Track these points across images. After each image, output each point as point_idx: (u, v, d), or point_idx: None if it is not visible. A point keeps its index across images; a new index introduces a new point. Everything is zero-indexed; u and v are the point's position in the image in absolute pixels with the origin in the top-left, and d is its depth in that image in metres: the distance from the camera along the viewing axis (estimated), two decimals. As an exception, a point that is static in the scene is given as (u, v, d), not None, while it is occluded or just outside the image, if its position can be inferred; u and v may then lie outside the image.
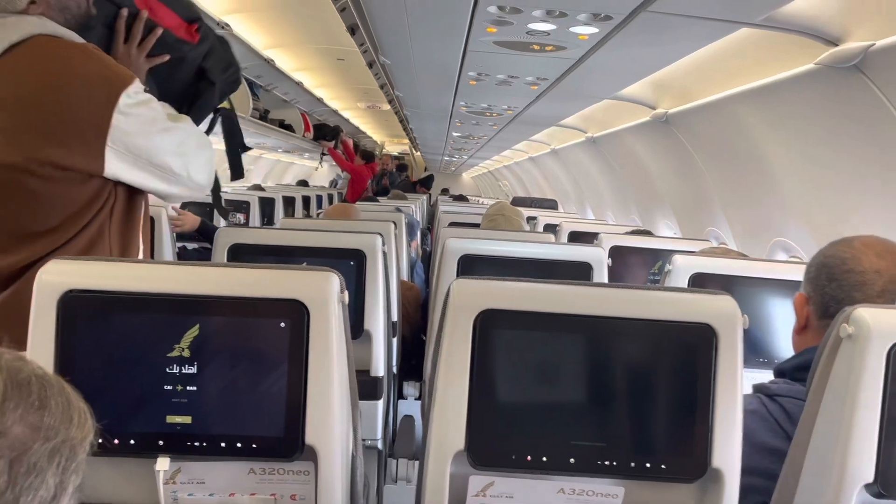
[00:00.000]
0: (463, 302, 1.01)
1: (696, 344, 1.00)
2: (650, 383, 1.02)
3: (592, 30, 2.40)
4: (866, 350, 0.95)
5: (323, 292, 1.01)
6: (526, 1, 2.18)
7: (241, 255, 1.83)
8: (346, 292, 1.03)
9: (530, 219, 4.03)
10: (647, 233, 3.34)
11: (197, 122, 1.67)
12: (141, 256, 1.55)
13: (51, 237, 1.36)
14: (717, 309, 1.01)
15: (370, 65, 4.38)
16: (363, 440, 1.59)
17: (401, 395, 2.71)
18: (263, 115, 6.80)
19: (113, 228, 1.45)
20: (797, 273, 1.75)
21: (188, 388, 0.99)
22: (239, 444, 1.00)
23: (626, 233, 3.06)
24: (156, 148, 1.42)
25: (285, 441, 1.00)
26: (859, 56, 2.03)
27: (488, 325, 1.01)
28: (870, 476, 0.95)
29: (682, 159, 4.00)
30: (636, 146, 4.76)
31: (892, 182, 2.25)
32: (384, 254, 1.87)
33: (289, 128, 7.81)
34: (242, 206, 4.70)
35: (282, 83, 5.87)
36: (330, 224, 2.54)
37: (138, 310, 1.00)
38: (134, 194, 1.51)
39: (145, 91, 1.46)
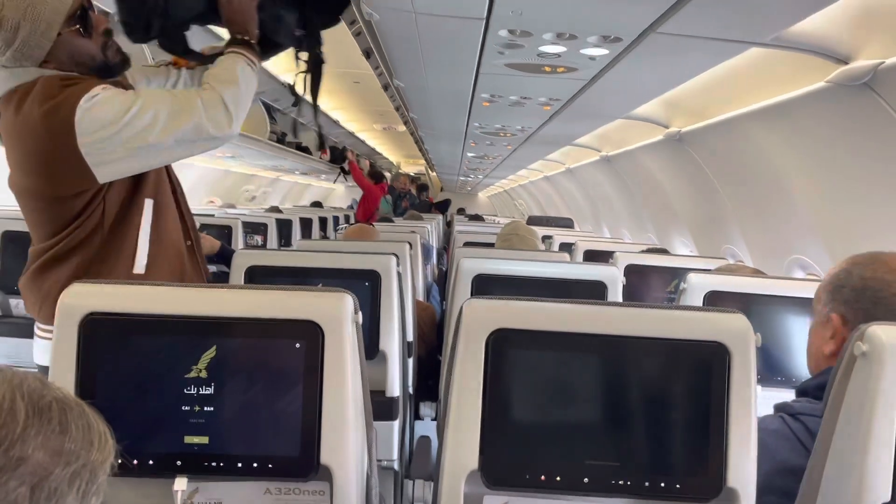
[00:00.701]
0: (475, 322, 1.02)
1: (709, 362, 1.01)
2: (664, 402, 1.02)
3: (603, 51, 2.41)
4: (881, 368, 0.94)
5: (337, 313, 1.02)
6: (536, 25, 2.21)
7: (258, 277, 1.84)
8: (360, 313, 1.05)
9: (546, 237, 4.03)
10: (663, 251, 3.32)
11: (320, 24, 1.78)
12: (143, 259, 1.61)
13: (54, 237, 1.59)
14: (729, 327, 1.01)
15: (385, 87, 4.43)
16: (379, 461, 1.59)
17: (417, 416, 2.70)
18: (281, 138, 6.89)
19: (107, 230, 1.58)
20: (812, 290, 1.74)
21: (205, 408, 1.01)
22: (255, 465, 1.02)
23: (642, 251, 3.05)
24: (127, 136, 1.48)
25: (300, 461, 1.01)
26: (869, 74, 2.04)
27: (501, 344, 1.01)
28: (887, 494, 0.94)
29: (697, 177, 4.00)
30: (651, 164, 4.76)
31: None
32: (399, 274, 1.88)
33: (306, 150, 7.90)
34: (260, 228, 4.74)
35: (299, 106, 5.94)
36: (345, 245, 2.56)
37: (157, 332, 1.02)
38: (130, 199, 1.61)
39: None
